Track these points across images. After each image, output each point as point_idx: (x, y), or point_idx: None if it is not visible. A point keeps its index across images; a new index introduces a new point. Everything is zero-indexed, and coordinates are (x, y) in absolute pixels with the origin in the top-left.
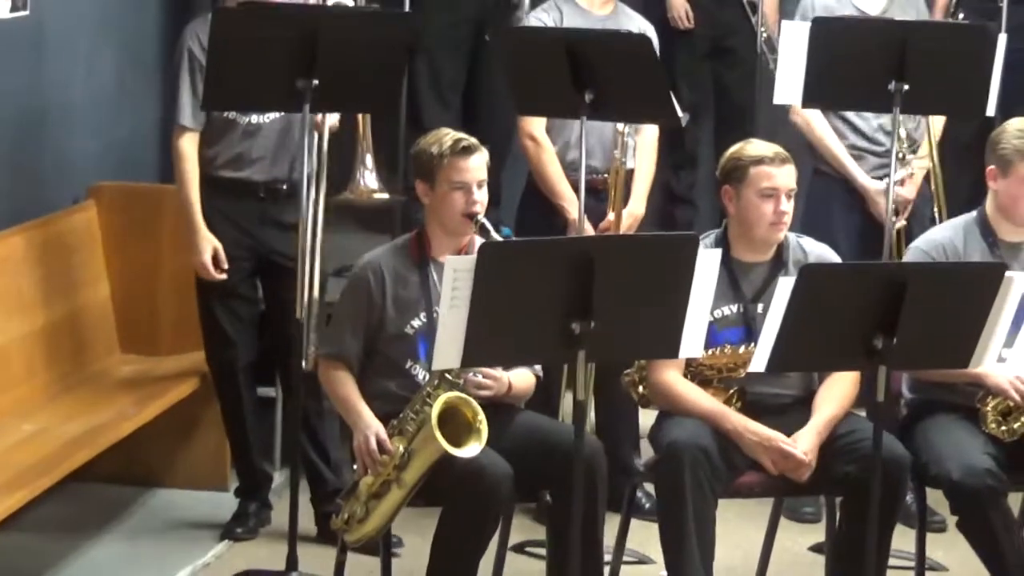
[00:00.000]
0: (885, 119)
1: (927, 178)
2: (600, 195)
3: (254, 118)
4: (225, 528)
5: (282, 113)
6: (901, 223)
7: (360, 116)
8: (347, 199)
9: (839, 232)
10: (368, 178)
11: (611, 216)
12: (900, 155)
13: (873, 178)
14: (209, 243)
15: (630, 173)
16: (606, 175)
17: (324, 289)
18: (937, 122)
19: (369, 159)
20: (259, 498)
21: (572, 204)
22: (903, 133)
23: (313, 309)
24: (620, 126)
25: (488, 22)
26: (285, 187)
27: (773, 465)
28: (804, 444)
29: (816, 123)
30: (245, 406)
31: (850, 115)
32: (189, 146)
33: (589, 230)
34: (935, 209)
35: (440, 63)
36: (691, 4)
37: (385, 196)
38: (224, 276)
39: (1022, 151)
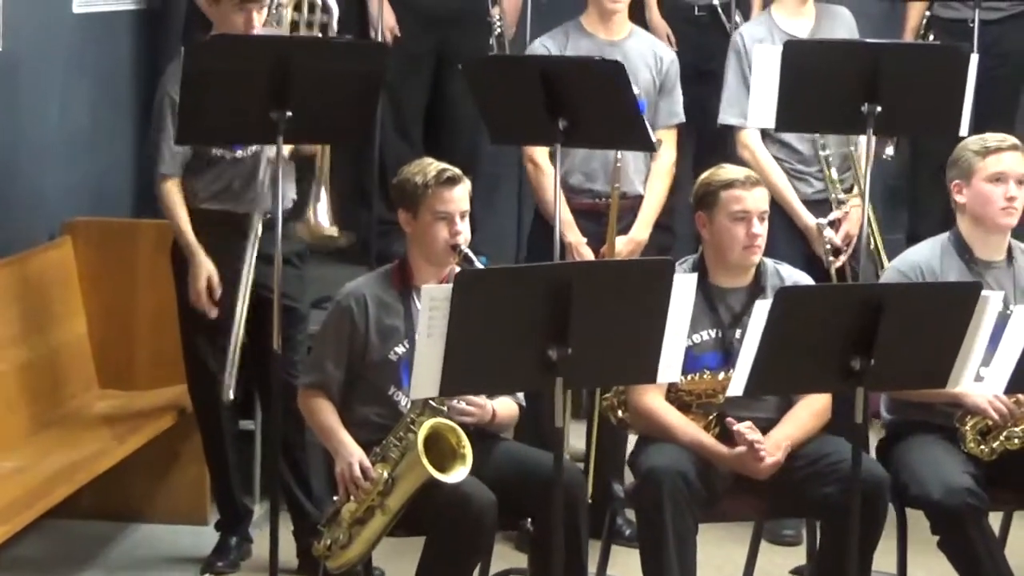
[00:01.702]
0: (831, 146)
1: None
2: (602, 219)
3: (238, 152)
4: (206, 562)
5: (263, 146)
6: (839, 262)
7: (319, 150)
8: (299, 237)
9: (781, 257)
10: (320, 214)
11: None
12: (834, 196)
13: (813, 199)
14: (205, 270)
15: (637, 199)
16: (609, 200)
17: (304, 322)
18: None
19: (323, 196)
20: (240, 531)
21: (570, 228)
22: (835, 175)
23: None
24: (618, 153)
25: (452, 51)
26: (269, 218)
27: (749, 468)
28: (769, 441)
29: (763, 158)
30: (226, 440)
31: (790, 138)
32: (173, 189)
33: (588, 254)
34: (872, 246)
35: (401, 95)
36: (672, 29)
37: (335, 234)
38: (216, 312)
39: (979, 151)
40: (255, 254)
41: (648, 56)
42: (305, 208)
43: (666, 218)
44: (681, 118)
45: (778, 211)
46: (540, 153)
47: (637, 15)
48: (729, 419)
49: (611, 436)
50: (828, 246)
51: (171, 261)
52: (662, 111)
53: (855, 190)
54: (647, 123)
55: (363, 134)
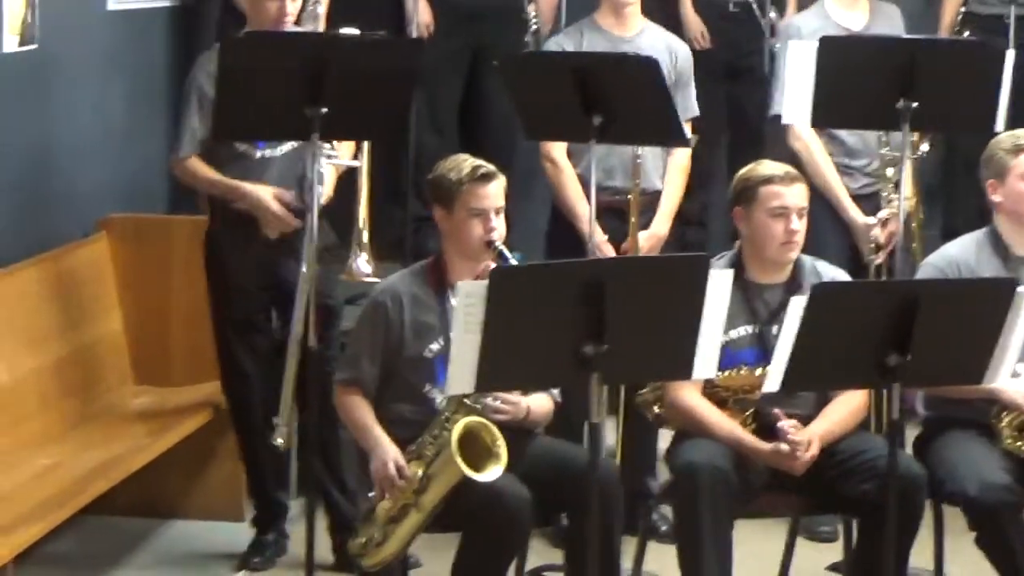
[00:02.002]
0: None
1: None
2: (623, 216)
3: (267, 151)
4: (242, 558)
5: (293, 144)
6: (879, 259)
7: (360, 194)
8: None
9: (829, 250)
10: (361, 263)
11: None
12: (885, 194)
13: (860, 193)
14: (265, 192)
15: (656, 194)
16: (629, 196)
17: (339, 318)
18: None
19: (365, 240)
20: (276, 528)
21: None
22: (889, 172)
23: None
24: (637, 149)
25: (488, 47)
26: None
27: (786, 465)
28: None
29: (816, 150)
30: (259, 438)
31: (840, 132)
32: (195, 161)
33: (610, 251)
34: (913, 246)
35: (436, 91)
36: (707, 25)
37: (376, 280)
38: (297, 222)
39: (1011, 150)
40: (307, 264)
41: (662, 51)
42: (347, 257)
43: (700, 214)
44: (695, 112)
45: (825, 204)
46: (558, 151)
47: (671, 11)
48: (776, 411)
49: (643, 431)
50: (872, 244)
51: (204, 258)
52: (678, 105)
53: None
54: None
55: (398, 130)
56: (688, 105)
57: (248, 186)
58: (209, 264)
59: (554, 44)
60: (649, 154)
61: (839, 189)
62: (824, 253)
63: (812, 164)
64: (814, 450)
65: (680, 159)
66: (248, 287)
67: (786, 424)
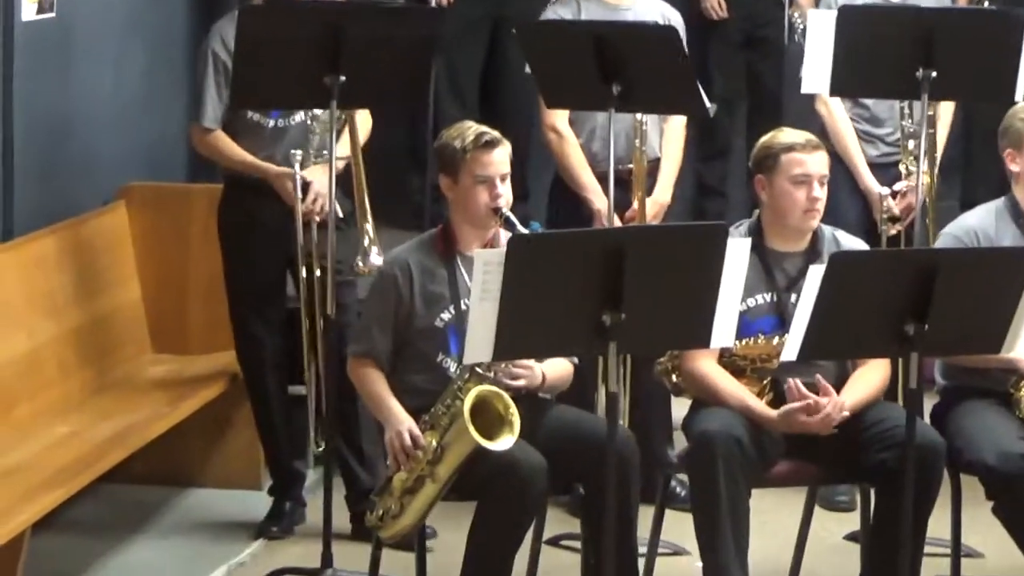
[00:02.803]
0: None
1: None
2: (625, 185)
3: (280, 120)
4: (259, 527)
5: (307, 113)
6: (895, 230)
7: (357, 191)
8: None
9: (847, 218)
10: (373, 256)
11: (636, 205)
12: (905, 168)
13: (879, 162)
14: (288, 177)
15: (656, 162)
16: (630, 165)
17: (354, 287)
18: (941, 134)
19: (369, 233)
20: (293, 496)
21: (596, 195)
22: (911, 144)
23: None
24: (639, 116)
25: (506, 17)
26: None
27: (806, 424)
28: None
29: (839, 117)
30: (274, 406)
31: (867, 100)
32: (221, 136)
33: (616, 221)
34: (927, 221)
35: (457, 59)
36: None
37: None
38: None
39: None
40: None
41: (656, 19)
42: (359, 251)
43: (719, 183)
44: None
45: (845, 171)
46: (561, 120)
47: None
48: (790, 381)
49: (658, 400)
50: (886, 214)
51: (218, 229)
52: None
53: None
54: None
55: (417, 98)
56: None
57: (275, 169)
58: (223, 232)
59: (551, 12)
60: (649, 122)
61: (857, 156)
62: (841, 221)
63: (834, 129)
64: (838, 417)
65: (676, 126)
66: (262, 255)
67: (793, 383)
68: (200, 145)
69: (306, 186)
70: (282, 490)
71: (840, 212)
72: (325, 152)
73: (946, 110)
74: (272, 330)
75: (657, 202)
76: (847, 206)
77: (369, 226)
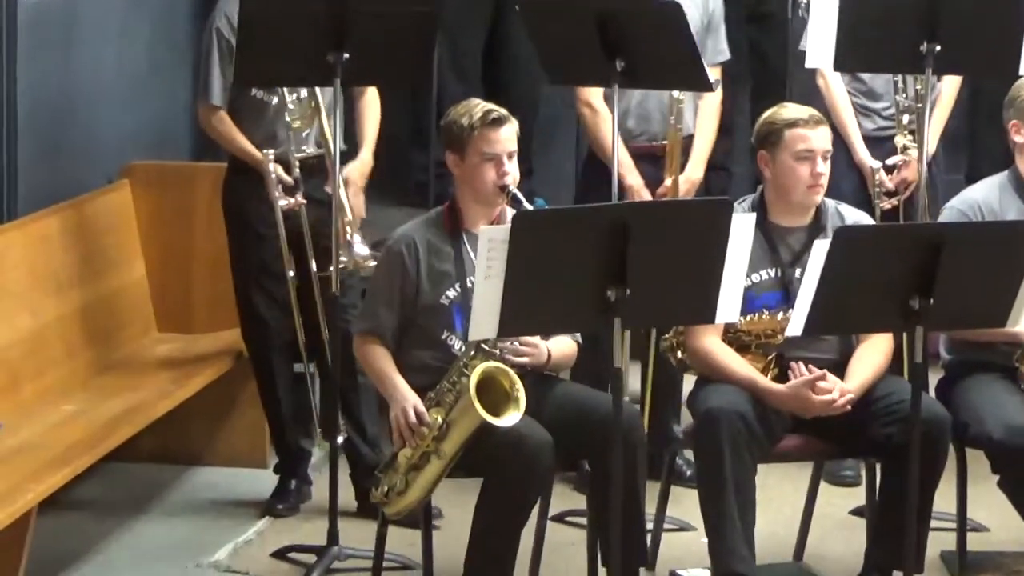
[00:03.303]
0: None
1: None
2: (658, 161)
3: (286, 96)
4: (266, 505)
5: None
6: (889, 205)
7: (341, 189)
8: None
9: (843, 192)
10: (358, 247)
11: (668, 182)
12: (900, 143)
13: (875, 136)
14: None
15: (689, 139)
16: (665, 141)
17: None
18: (940, 115)
19: (352, 231)
20: (298, 474)
21: (629, 171)
22: (906, 119)
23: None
24: (676, 93)
25: None
26: (316, 162)
27: (809, 405)
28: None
29: (836, 90)
30: (280, 385)
31: (863, 74)
32: (226, 118)
33: (648, 197)
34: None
35: (459, 37)
36: None
37: (373, 260)
38: (300, 199)
39: None
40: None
41: None
42: (344, 247)
43: (723, 159)
44: (726, 55)
45: (842, 146)
46: (595, 95)
47: None
48: (794, 364)
49: (668, 377)
50: (879, 188)
51: (223, 208)
52: (709, 49)
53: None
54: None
55: (420, 75)
56: (720, 48)
57: (271, 166)
58: (228, 210)
59: None
60: (684, 99)
61: (853, 130)
62: (837, 195)
63: (831, 103)
64: (840, 402)
65: (711, 103)
66: (266, 233)
67: (797, 367)
68: (206, 124)
69: (290, 187)
70: (288, 468)
71: (836, 186)
72: (305, 147)
73: (949, 84)
74: (277, 309)
75: (689, 179)
76: (843, 180)
77: (349, 219)
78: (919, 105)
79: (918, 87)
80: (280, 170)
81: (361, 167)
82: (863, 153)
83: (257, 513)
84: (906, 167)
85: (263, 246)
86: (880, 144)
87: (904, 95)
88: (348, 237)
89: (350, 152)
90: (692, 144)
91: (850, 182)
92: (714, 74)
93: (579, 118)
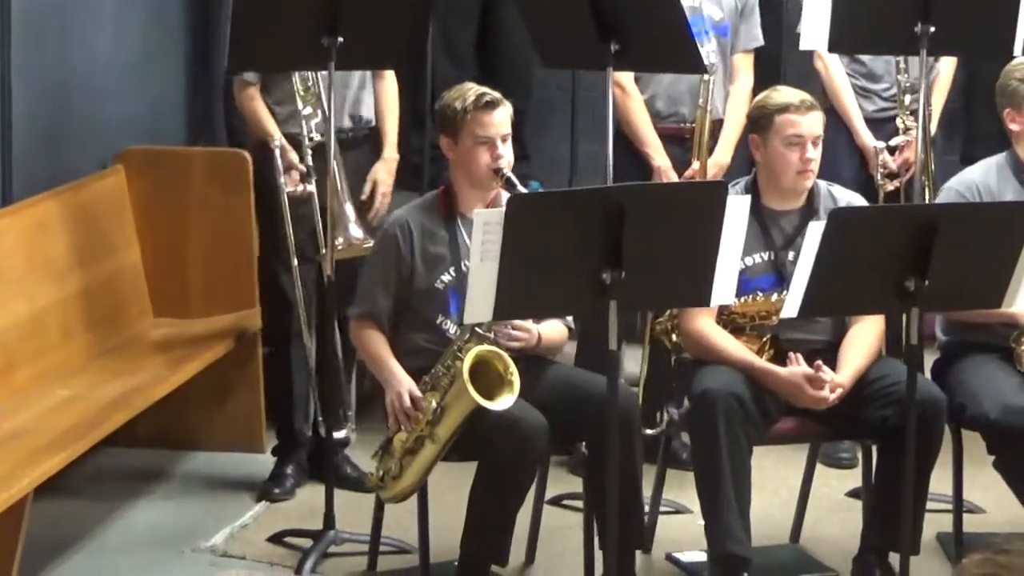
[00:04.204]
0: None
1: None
2: (686, 143)
3: (312, 73)
4: (262, 489)
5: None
6: (892, 186)
7: (333, 172)
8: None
9: (843, 174)
10: (352, 230)
11: (695, 165)
12: (902, 124)
13: (876, 117)
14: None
15: (718, 123)
16: (693, 124)
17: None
18: (939, 96)
19: (349, 210)
20: (296, 459)
21: (657, 152)
22: (907, 99)
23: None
24: (706, 76)
25: None
26: (346, 137)
27: (802, 396)
28: (835, 377)
29: (835, 72)
30: (295, 368)
31: (864, 56)
32: (256, 95)
33: (674, 177)
34: (924, 180)
35: (452, 22)
36: None
37: (370, 242)
38: (311, 187)
39: None
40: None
41: None
42: (339, 229)
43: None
44: (760, 41)
45: (842, 128)
46: (627, 77)
47: None
48: (792, 354)
49: (664, 360)
50: (883, 169)
51: (255, 187)
52: (742, 34)
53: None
54: (699, 45)
55: (415, 59)
56: (753, 33)
57: (277, 152)
58: (257, 191)
59: None
60: (714, 82)
61: (854, 112)
62: (838, 177)
63: (830, 85)
64: (839, 396)
65: (743, 87)
66: (296, 213)
67: (795, 357)
68: (237, 99)
69: (303, 174)
70: (285, 452)
71: (837, 168)
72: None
73: (947, 65)
74: (302, 287)
75: (717, 163)
76: (844, 162)
77: (343, 202)
78: (910, 87)
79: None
80: (293, 155)
81: (387, 166)
82: (866, 135)
83: (253, 497)
84: (908, 147)
85: (288, 227)
86: (881, 125)
87: (906, 75)
88: (346, 219)
89: (373, 133)
90: (721, 128)
91: (851, 165)
92: (748, 60)
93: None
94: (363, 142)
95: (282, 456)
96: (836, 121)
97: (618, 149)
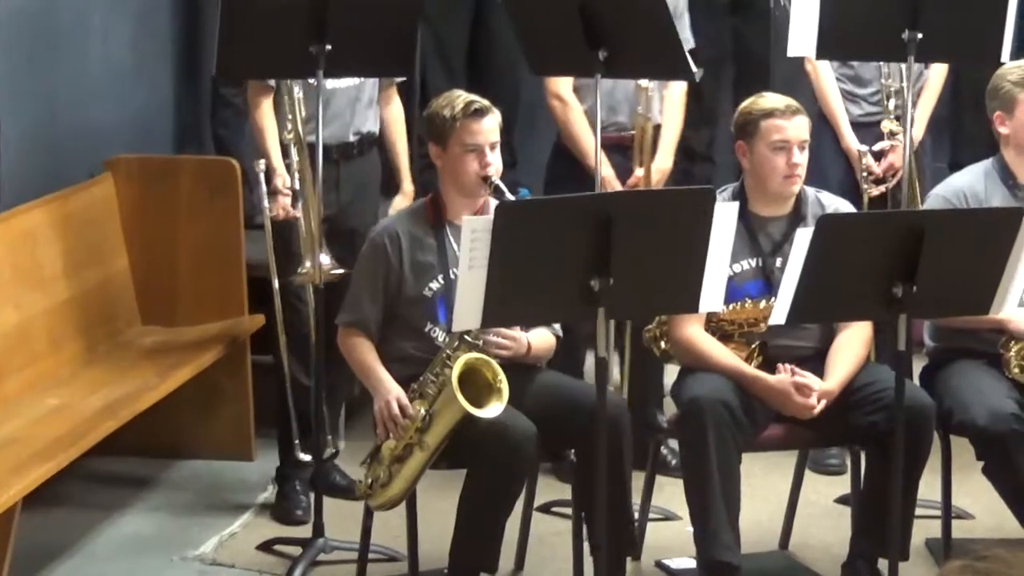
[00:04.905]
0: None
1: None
2: (627, 152)
3: (328, 83)
4: (281, 512)
5: (356, 80)
6: (877, 191)
7: (309, 196)
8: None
9: (831, 179)
10: (323, 260)
11: (638, 172)
12: (887, 129)
13: (862, 121)
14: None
15: (657, 128)
16: (633, 131)
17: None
18: (928, 102)
19: (317, 236)
20: (301, 476)
21: (600, 161)
22: (891, 105)
23: None
24: (643, 82)
25: None
26: (352, 151)
27: (789, 405)
28: (822, 385)
29: (824, 75)
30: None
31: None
32: (268, 113)
33: (619, 187)
34: (913, 184)
35: (443, 29)
36: None
37: (340, 271)
38: (297, 212)
39: (1018, 82)
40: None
41: None
42: (307, 256)
43: (707, 148)
44: (691, 43)
45: (829, 133)
46: (564, 87)
47: None
48: (782, 365)
49: (650, 366)
50: (866, 173)
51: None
52: None
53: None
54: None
55: (403, 66)
56: (685, 36)
57: (277, 162)
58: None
59: None
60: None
61: (841, 116)
62: (825, 182)
63: (819, 89)
64: (824, 405)
65: (677, 92)
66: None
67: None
68: (251, 94)
69: (275, 191)
70: (292, 471)
71: (824, 173)
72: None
73: (936, 71)
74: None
75: (659, 169)
76: (831, 167)
77: (313, 226)
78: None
79: (925, 69)
80: (279, 180)
81: (406, 201)
82: (850, 138)
83: (242, 506)
84: (893, 152)
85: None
86: (868, 129)
87: (890, 80)
88: (314, 243)
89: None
90: (659, 134)
91: (838, 169)
92: None
93: (549, 110)
94: (367, 152)
95: (289, 474)
96: (823, 125)
97: (560, 160)
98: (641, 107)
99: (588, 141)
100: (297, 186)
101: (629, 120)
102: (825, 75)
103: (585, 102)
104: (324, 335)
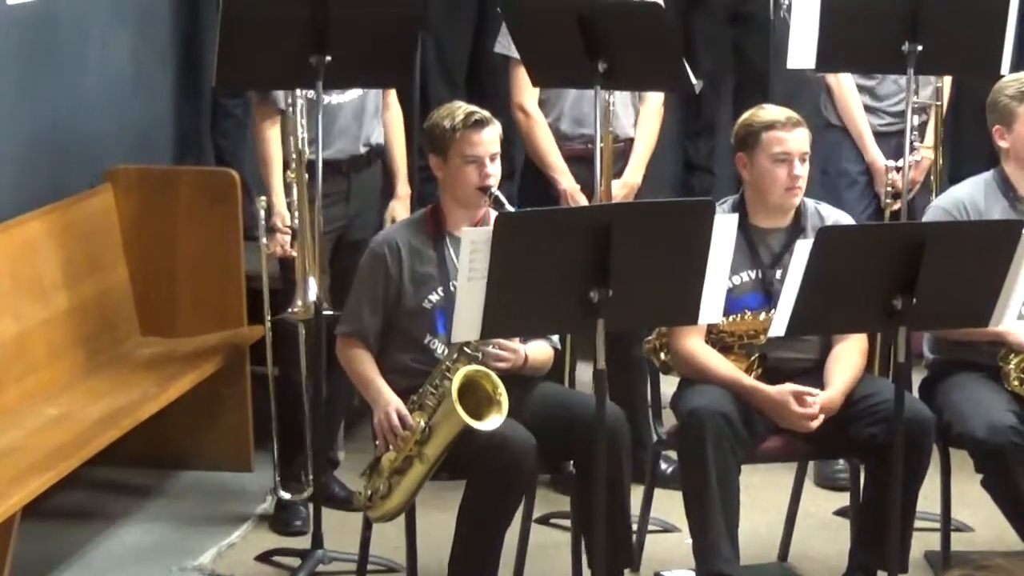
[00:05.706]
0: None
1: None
2: (593, 165)
3: (335, 98)
4: (280, 524)
5: (360, 91)
6: (897, 206)
7: (307, 233)
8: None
9: (846, 177)
10: (311, 295)
11: (601, 187)
12: (910, 142)
13: (881, 131)
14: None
15: (628, 142)
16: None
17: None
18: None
19: (313, 281)
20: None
21: (563, 175)
22: (916, 120)
23: None
24: (605, 95)
25: None
26: (365, 161)
27: (788, 417)
28: (821, 397)
29: (846, 87)
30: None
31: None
32: (275, 137)
33: (584, 201)
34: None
35: (445, 40)
36: None
37: (329, 313)
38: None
39: (1016, 96)
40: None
41: None
42: (297, 293)
43: (706, 160)
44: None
45: (847, 144)
46: (530, 100)
47: None
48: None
49: (647, 378)
50: (890, 188)
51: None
52: None
53: (927, 140)
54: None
55: (403, 77)
56: None
57: (279, 199)
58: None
59: None
60: (619, 101)
61: (864, 128)
62: (842, 196)
63: (841, 101)
64: (820, 420)
65: (653, 105)
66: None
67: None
68: (257, 111)
69: (272, 228)
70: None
71: (841, 186)
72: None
73: (945, 85)
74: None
75: (627, 183)
76: (849, 179)
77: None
78: (938, 103)
79: (938, 84)
80: (278, 218)
81: (402, 203)
82: (875, 152)
83: (241, 516)
84: (916, 167)
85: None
86: (885, 140)
87: (915, 96)
88: (305, 277)
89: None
90: (631, 148)
91: (858, 182)
92: None
93: (515, 123)
94: (373, 162)
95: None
96: (840, 137)
97: (526, 174)
98: (601, 120)
99: (552, 154)
100: (296, 224)
101: (596, 133)
102: (848, 86)
103: (550, 114)
104: (323, 356)
